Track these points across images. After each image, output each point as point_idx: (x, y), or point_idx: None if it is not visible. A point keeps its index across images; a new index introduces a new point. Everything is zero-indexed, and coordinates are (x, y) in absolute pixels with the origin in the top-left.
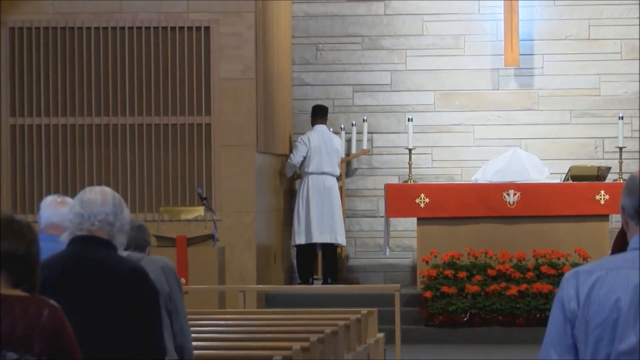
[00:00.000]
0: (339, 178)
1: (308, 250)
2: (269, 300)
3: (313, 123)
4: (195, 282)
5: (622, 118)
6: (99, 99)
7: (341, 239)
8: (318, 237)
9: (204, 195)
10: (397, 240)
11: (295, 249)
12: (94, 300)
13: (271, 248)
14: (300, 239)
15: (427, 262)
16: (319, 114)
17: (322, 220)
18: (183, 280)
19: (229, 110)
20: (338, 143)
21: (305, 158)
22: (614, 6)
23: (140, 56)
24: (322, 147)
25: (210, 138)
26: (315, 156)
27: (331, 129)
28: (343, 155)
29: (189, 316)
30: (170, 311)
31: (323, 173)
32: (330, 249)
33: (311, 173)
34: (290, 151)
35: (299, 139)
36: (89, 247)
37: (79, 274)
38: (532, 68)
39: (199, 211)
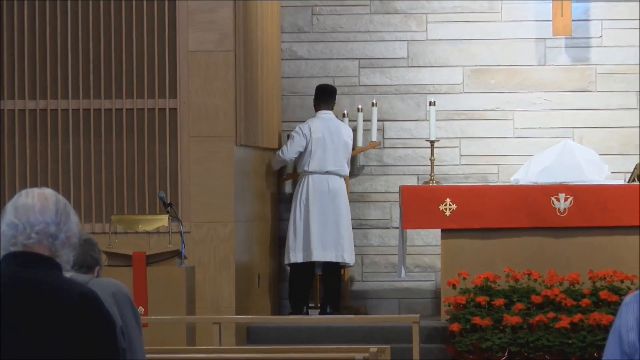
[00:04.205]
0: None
1: (305, 271)
2: (251, 335)
3: (317, 108)
4: (157, 312)
5: None
6: (34, 78)
7: (349, 258)
8: (319, 255)
9: (168, 201)
10: (415, 258)
11: (289, 268)
12: (34, 334)
13: (254, 268)
14: (296, 256)
15: (453, 286)
16: (324, 97)
17: (325, 232)
18: (141, 309)
19: (200, 92)
20: (347, 134)
21: (302, 153)
22: None
23: (87, 24)
24: (326, 139)
25: (176, 127)
26: (317, 151)
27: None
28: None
29: (148, 355)
30: (125, 350)
31: (327, 172)
32: (332, 270)
33: (312, 172)
34: (280, 143)
35: (297, 128)
36: (26, 267)
37: (15, 300)
38: (588, 38)
39: (162, 221)
